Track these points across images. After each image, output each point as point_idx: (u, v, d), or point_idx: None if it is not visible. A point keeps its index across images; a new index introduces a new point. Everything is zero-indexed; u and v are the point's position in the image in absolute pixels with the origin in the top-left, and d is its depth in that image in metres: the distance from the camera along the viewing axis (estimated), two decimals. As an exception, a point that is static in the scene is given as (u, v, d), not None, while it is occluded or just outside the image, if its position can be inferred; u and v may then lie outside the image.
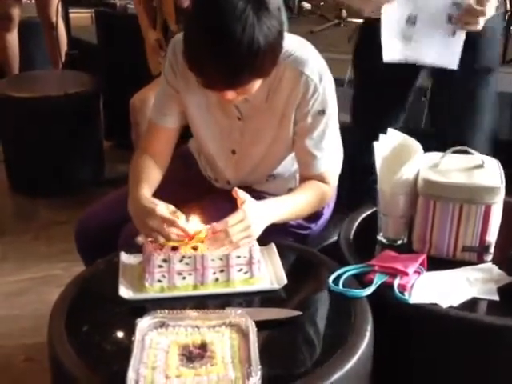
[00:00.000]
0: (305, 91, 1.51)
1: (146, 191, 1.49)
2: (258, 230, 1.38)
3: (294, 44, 1.53)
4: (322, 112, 1.54)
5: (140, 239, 1.44)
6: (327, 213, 1.77)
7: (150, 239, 1.38)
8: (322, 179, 1.59)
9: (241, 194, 1.40)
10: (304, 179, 1.61)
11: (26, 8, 3.98)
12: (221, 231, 1.33)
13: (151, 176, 1.57)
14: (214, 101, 1.59)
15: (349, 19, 4.59)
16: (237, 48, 1.28)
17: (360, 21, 4.49)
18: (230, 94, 1.40)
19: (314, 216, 1.68)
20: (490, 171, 1.48)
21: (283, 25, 1.37)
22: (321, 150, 1.57)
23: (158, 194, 1.66)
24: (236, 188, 1.41)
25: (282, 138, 1.60)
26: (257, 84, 1.41)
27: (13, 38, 3.95)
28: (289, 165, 1.69)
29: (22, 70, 3.96)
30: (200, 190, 1.78)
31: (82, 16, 4.33)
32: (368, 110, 2.10)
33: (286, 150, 1.64)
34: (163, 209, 1.38)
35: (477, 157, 1.51)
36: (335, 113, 1.59)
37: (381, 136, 1.57)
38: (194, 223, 1.39)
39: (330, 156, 1.60)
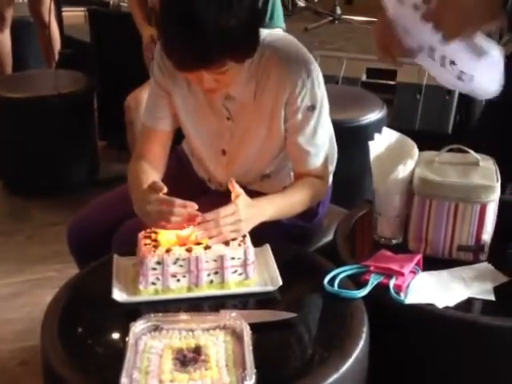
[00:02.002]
0: (292, 87, 1.50)
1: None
2: (247, 227, 1.40)
3: (282, 42, 1.54)
4: (312, 108, 1.53)
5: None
6: (322, 211, 1.76)
7: (145, 242, 1.37)
8: (316, 175, 1.59)
9: (236, 188, 1.41)
10: (298, 176, 1.61)
11: (18, 7, 3.96)
12: (211, 220, 1.34)
13: (150, 180, 1.57)
14: (203, 101, 1.59)
15: (343, 16, 4.58)
16: (205, 25, 1.30)
17: (356, 18, 4.51)
18: (208, 81, 1.41)
19: (309, 215, 1.67)
20: (485, 170, 1.47)
21: (260, 13, 1.41)
22: (313, 146, 1.57)
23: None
24: (233, 180, 1.42)
25: (273, 136, 1.59)
26: (234, 71, 1.41)
27: (5, 37, 3.92)
28: (282, 163, 1.68)
29: (15, 70, 3.93)
30: (194, 190, 1.76)
31: (74, 14, 4.30)
32: None
33: (277, 148, 1.63)
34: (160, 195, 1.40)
35: (472, 155, 1.50)
36: (326, 108, 1.58)
37: (376, 135, 1.56)
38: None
39: (324, 152, 1.60)
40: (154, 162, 1.62)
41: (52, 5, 3.50)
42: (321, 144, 1.58)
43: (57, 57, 3.61)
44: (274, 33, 1.61)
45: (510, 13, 1.20)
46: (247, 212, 1.39)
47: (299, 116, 1.53)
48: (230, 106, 1.57)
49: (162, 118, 1.63)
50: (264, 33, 1.51)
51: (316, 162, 1.58)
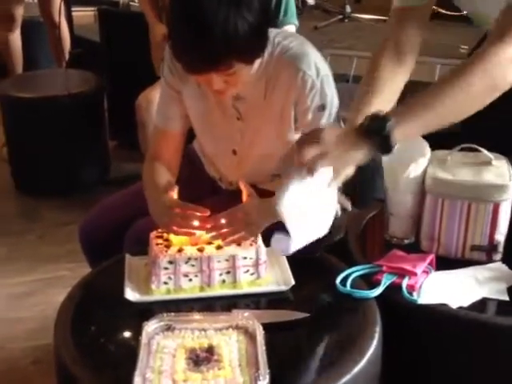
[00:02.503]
0: (302, 87, 1.50)
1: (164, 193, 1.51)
2: (259, 228, 1.39)
3: (292, 41, 1.54)
4: (322, 107, 1.52)
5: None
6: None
7: (157, 242, 1.37)
8: None
9: (248, 188, 1.42)
10: None
11: (28, 7, 3.96)
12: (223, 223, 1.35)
13: (164, 181, 1.58)
14: (213, 102, 1.59)
15: (353, 14, 4.57)
16: (212, 27, 1.30)
17: (365, 16, 4.49)
18: (217, 82, 1.41)
19: None
20: (498, 169, 1.46)
21: (269, 14, 1.41)
22: None
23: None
24: (243, 181, 1.43)
25: (283, 135, 1.58)
26: (243, 72, 1.41)
27: (16, 37, 3.93)
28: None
29: (25, 70, 3.94)
30: (205, 189, 1.77)
31: (84, 14, 4.32)
32: None
33: (287, 145, 1.62)
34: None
35: (485, 154, 1.49)
36: (335, 107, 1.57)
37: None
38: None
39: None
40: (167, 163, 1.62)
41: (62, 5, 3.51)
42: None
43: (67, 57, 3.62)
44: (284, 32, 1.61)
45: (374, 134, 1.22)
46: (259, 213, 1.38)
47: (309, 116, 1.53)
48: (239, 106, 1.57)
49: (174, 118, 1.63)
50: (273, 32, 1.51)
51: None
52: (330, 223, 1.35)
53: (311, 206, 1.30)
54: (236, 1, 1.32)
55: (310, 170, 1.25)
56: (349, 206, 1.50)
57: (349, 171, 1.36)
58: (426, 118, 1.26)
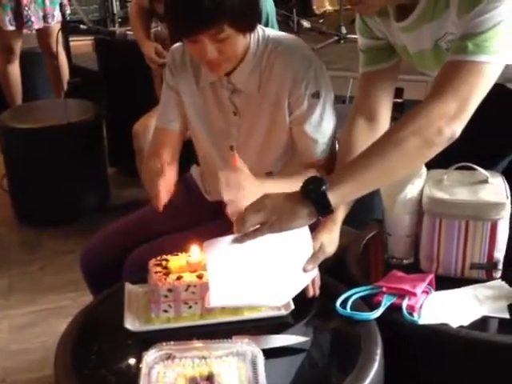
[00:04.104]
0: (295, 75, 1.54)
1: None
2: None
3: (284, 36, 1.63)
4: (317, 95, 1.56)
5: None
6: None
7: (156, 270, 1.37)
8: (323, 166, 1.59)
9: (239, 162, 1.45)
10: (305, 167, 1.60)
11: (26, 39, 4.01)
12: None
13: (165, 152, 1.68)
14: (211, 98, 1.65)
15: (348, 36, 4.61)
16: None
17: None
18: (211, 51, 1.46)
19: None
20: (494, 187, 1.46)
21: None
22: (320, 133, 1.59)
23: (160, 217, 1.65)
24: (235, 154, 1.46)
25: (277, 126, 1.62)
26: (235, 40, 1.47)
27: (14, 69, 3.98)
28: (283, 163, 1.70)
29: (24, 100, 3.98)
30: (204, 215, 1.78)
31: (82, 44, 4.36)
32: None
33: (281, 139, 1.65)
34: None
35: (481, 172, 1.50)
36: (331, 98, 1.61)
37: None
38: (196, 252, 1.39)
39: (330, 141, 1.62)
40: (166, 159, 1.66)
41: (60, 35, 3.55)
42: (327, 132, 1.60)
43: (65, 86, 3.65)
44: (277, 31, 1.71)
45: (310, 195, 1.25)
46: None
47: (305, 104, 1.56)
48: (236, 100, 1.63)
49: (173, 120, 1.71)
50: (267, 29, 1.61)
51: (323, 150, 1.60)
52: (290, 297, 1.34)
53: (248, 272, 1.31)
54: None
55: (247, 236, 1.28)
56: (313, 291, 1.40)
57: (330, 250, 1.40)
58: (361, 179, 1.27)
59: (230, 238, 1.30)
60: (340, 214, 1.44)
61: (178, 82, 1.68)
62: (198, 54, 1.52)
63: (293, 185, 1.48)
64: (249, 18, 1.49)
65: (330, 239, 1.42)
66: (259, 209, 1.27)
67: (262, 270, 1.32)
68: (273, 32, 1.63)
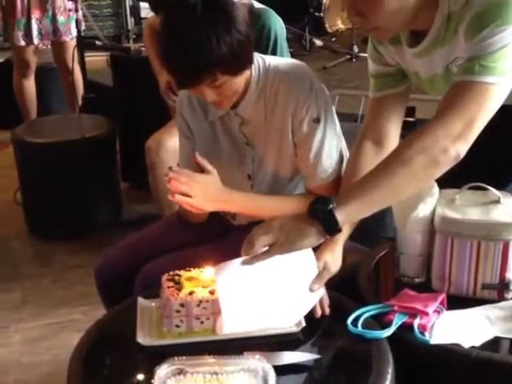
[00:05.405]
0: (297, 99, 1.56)
1: None
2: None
3: (284, 61, 1.66)
4: (317, 120, 1.58)
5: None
6: None
7: (168, 285, 1.38)
8: (327, 190, 1.60)
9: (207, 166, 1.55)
10: (310, 193, 1.63)
11: (42, 54, 4.07)
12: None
13: None
14: (221, 131, 1.67)
15: (360, 54, 4.63)
16: (193, 46, 1.41)
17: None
18: (210, 95, 1.49)
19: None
20: (506, 207, 1.46)
21: (249, 34, 1.49)
22: (321, 158, 1.60)
23: (174, 234, 1.66)
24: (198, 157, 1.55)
25: (284, 150, 1.63)
26: (230, 83, 1.49)
27: (30, 84, 4.03)
28: (300, 186, 1.71)
29: (39, 115, 4.02)
30: (216, 229, 1.79)
31: (97, 59, 4.41)
32: None
33: (289, 169, 1.67)
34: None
35: (493, 192, 1.50)
36: (332, 120, 1.62)
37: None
38: (209, 270, 1.40)
39: (334, 163, 1.63)
40: None
41: (75, 51, 3.60)
42: (329, 156, 1.61)
43: (80, 101, 3.69)
44: (278, 58, 1.75)
45: (317, 214, 1.27)
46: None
47: (304, 128, 1.58)
48: (246, 130, 1.64)
49: (190, 167, 1.66)
50: (269, 58, 1.63)
51: (326, 175, 1.61)
52: (298, 318, 1.35)
53: (258, 296, 1.32)
54: (214, 21, 1.41)
55: (257, 258, 1.30)
56: (323, 311, 1.41)
57: (334, 268, 1.42)
58: (368, 198, 1.29)
59: (240, 260, 1.32)
60: (341, 234, 1.45)
61: (189, 123, 1.71)
62: (198, 95, 1.55)
63: (264, 201, 1.60)
64: (241, 62, 1.49)
65: (333, 258, 1.43)
66: (267, 230, 1.29)
67: (271, 293, 1.33)
68: (273, 60, 1.64)
